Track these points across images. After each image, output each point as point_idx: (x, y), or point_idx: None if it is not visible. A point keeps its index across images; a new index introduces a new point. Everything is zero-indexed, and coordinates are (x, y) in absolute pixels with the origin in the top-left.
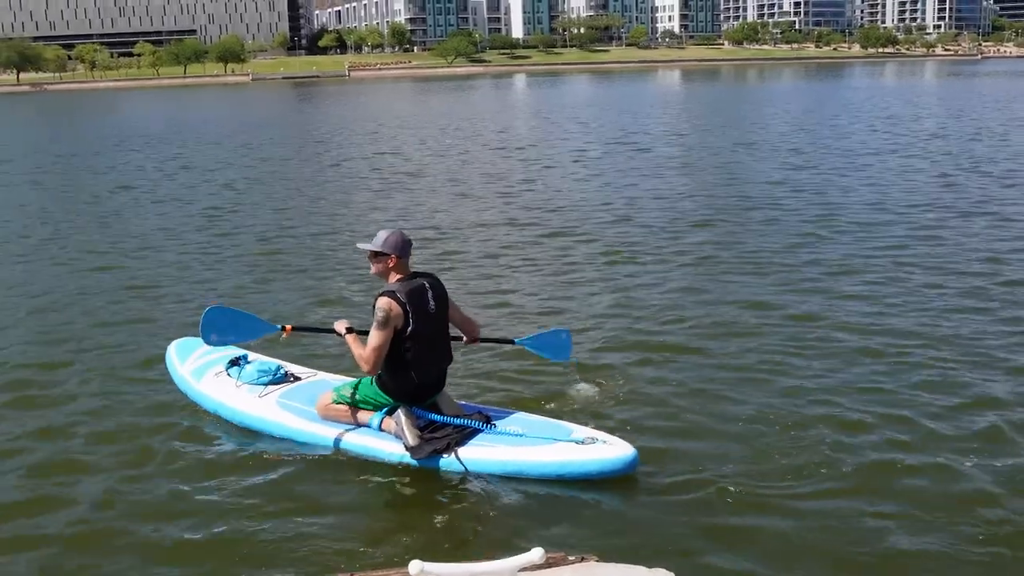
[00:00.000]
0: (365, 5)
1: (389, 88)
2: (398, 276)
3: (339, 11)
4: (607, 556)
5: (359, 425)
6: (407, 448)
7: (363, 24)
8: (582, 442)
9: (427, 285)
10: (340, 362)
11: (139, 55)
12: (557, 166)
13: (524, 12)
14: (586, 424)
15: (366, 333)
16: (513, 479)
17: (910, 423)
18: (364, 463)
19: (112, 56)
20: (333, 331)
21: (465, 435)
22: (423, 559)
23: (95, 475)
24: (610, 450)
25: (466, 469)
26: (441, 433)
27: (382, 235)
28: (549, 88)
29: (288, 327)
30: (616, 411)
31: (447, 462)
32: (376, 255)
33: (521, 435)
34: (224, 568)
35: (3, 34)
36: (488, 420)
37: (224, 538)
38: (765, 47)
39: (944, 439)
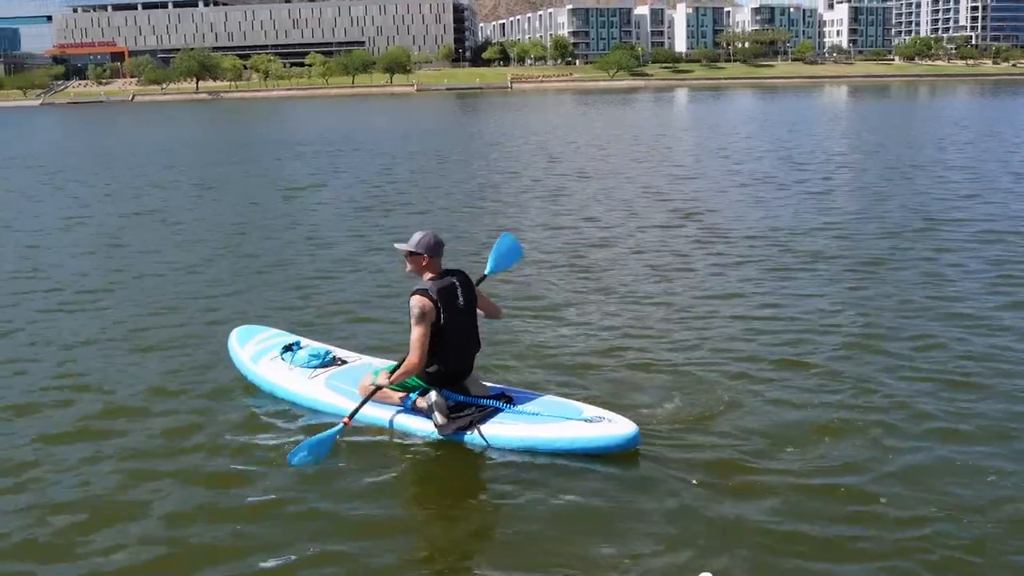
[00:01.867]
0: (529, 18)
1: (550, 100)
2: (430, 275)
3: (503, 24)
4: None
5: (395, 405)
6: (436, 426)
7: (527, 37)
8: (590, 420)
9: (457, 283)
10: (384, 346)
11: (310, 65)
12: (712, 179)
13: (688, 26)
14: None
15: (391, 369)
16: (527, 453)
17: (915, 411)
18: (397, 437)
19: (284, 66)
20: (378, 388)
21: (487, 414)
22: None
23: (163, 444)
24: (614, 428)
25: (487, 444)
26: (466, 412)
27: (416, 236)
28: (711, 103)
29: (346, 420)
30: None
31: (471, 438)
32: (411, 255)
33: (538, 414)
34: (281, 530)
35: (185, 45)
36: (509, 400)
37: (275, 502)
38: (938, 63)
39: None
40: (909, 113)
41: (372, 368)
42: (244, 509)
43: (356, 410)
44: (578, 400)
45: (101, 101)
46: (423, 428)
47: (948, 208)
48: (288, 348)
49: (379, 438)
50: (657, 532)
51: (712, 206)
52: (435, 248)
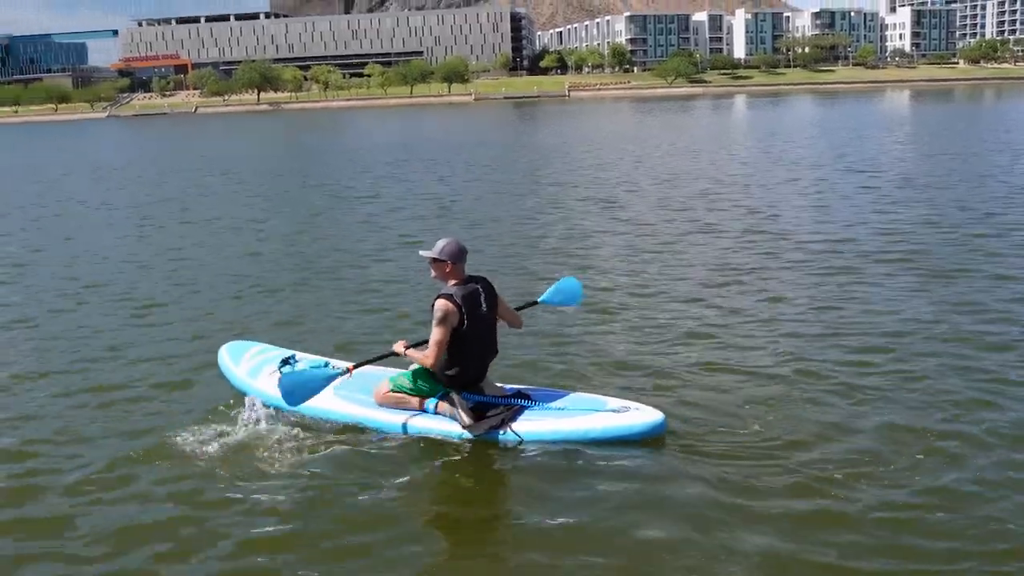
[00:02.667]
0: (587, 26)
1: (608, 108)
2: (454, 281)
3: (560, 32)
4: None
5: (415, 409)
6: (464, 426)
7: (584, 45)
8: (617, 411)
9: (480, 289)
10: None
11: (369, 75)
12: (768, 183)
13: (747, 32)
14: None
15: (417, 344)
16: (554, 447)
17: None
18: (425, 441)
19: (344, 76)
20: (393, 354)
21: (515, 412)
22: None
23: (171, 461)
24: (642, 415)
25: (522, 440)
26: (492, 412)
27: (440, 243)
28: (770, 109)
29: (351, 367)
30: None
31: (504, 436)
32: (435, 261)
33: (563, 408)
34: (319, 541)
35: (246, 57)
36: (528, 398)
37: (311, 514)
38: (1005, 66)
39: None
40: (974, 117)
41: (376, 376)
42: (278, 525)
43: (366, 363)
44: (599, 394)
45: (165, 113)
46: (448, 430)
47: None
48: (286, 362)
49: (405, 443)
50: (685, 517)
51: (766, 210)
52: (459, 255)
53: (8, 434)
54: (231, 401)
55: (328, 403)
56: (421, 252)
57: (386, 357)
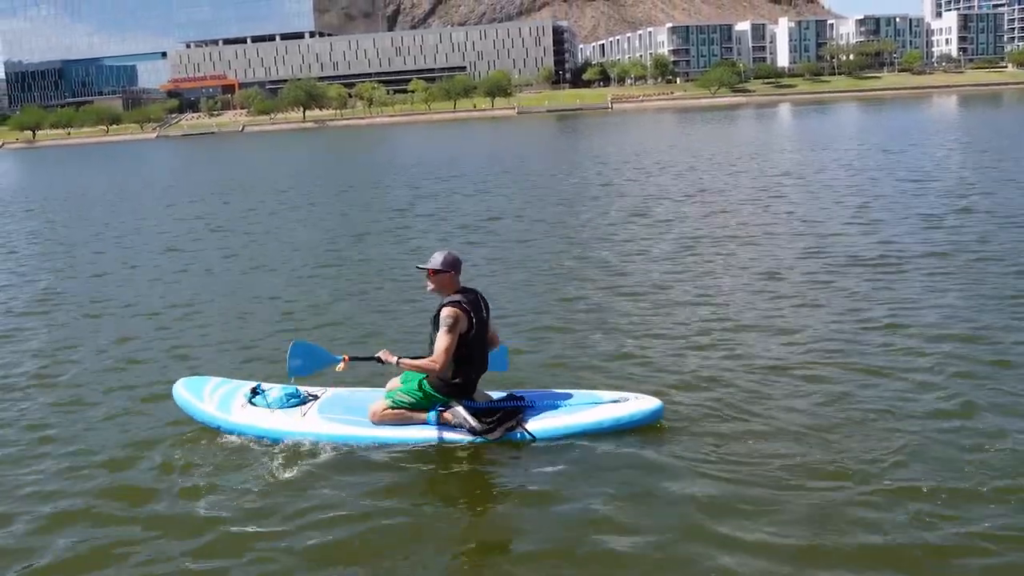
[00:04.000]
0: (629, 38)
1: (651, 119)
2: (452, 289)
3: (603, 44)
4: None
5: (418, 423)
6: (476, 432)
7: (626, 57)
8: (617, 401)
9: (480, 297)
10: (342, 377)
11: (413, 91)
12: (816, 197)
13: (791, 40)
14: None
15: (408, 356)
16: (568, 439)
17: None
18: (435, 450)
19: (388, 93)
20: (380, 360)
21: (521, 413)
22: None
23: (176, 515)
24: (641, 404)
25: (534, 438)
26: (497, 416)
27: (438, 256)
28: (816, 118)
29: (346, 357)
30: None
31: (516, 435)
32: (436, 273)
33: (564, 405)
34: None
35: (292, 75)
36: (522, 399)
37: (342, 540)
38: None
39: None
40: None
41: (348, 397)
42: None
43: (361, 360)
44: (592, 390)
45: (213, 132)
46: (461, 437)
47: None
48: (254, 392)
49: (415, 455)
50: (685, 502)
51: (768, 212)
52: (457, 265)
53: None
54: (202, 437)
55: (322, 427)
56: (419, 266)
57: (373, 360)
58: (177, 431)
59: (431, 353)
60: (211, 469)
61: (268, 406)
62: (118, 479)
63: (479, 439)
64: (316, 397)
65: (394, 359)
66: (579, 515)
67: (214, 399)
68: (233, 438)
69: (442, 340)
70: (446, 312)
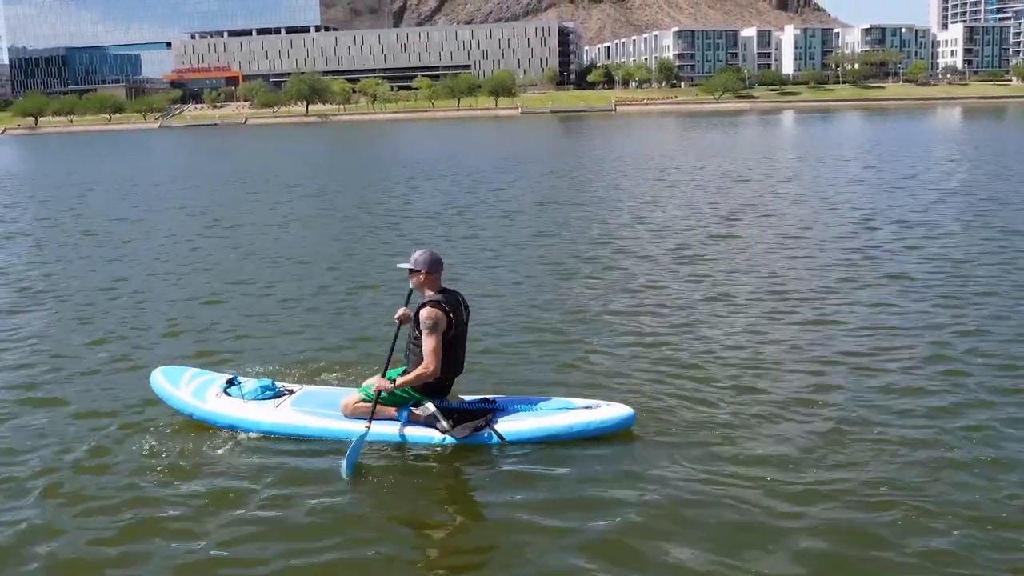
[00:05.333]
0: (634, 41)
1: (653, 123)
2: (430, 290)
3: (608, 47)
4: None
5: (388, 418)
6: (444, 431)
7: (631, 60)
8: (589, 407)
9: (460, 297)
10: (318, 374)
11: (417, 88)
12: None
13: (796, 48)
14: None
15: (397, 375)
16: (538, 443)
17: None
18: (403, 447)
19: (392, 89)
20: (381, 395)
21: (492, 414)
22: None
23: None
24: (612, 411)
25: (504, 441)
26: (466, 416)
27: (416, 254)
28: (820, 125)
29: (368, 424)
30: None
31: (486, 437)
32: (412, 272)
33: (537, 410)
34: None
35: (296, 69)
36: (494, 403)
37: (306, 526)
38: None
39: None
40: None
41: (320, 393)
42: (279, 534)
43: (372, 413)
44: (565, 396)
45: (215, 124)
46: (428, 435)
47: None
48: (230, 383)
49: (383, 450)
50: (656, 506)
51: (747, 216)
52: (433, 265)
53: None
54: (173, 423)
55: (294, 419)
56: (399, 264)
57: (377, 404)
58: (148, 416)
59: (413, 353)
60: (177, 455)
61: (242, 397)
62: (86, 462)
63: (448, 439)
64: (291, 392)
65: (389, 384)
66: (545, 518)
67: (190, 388)
68: (204, 427)
69: (428, 342)
70: (425, 313)
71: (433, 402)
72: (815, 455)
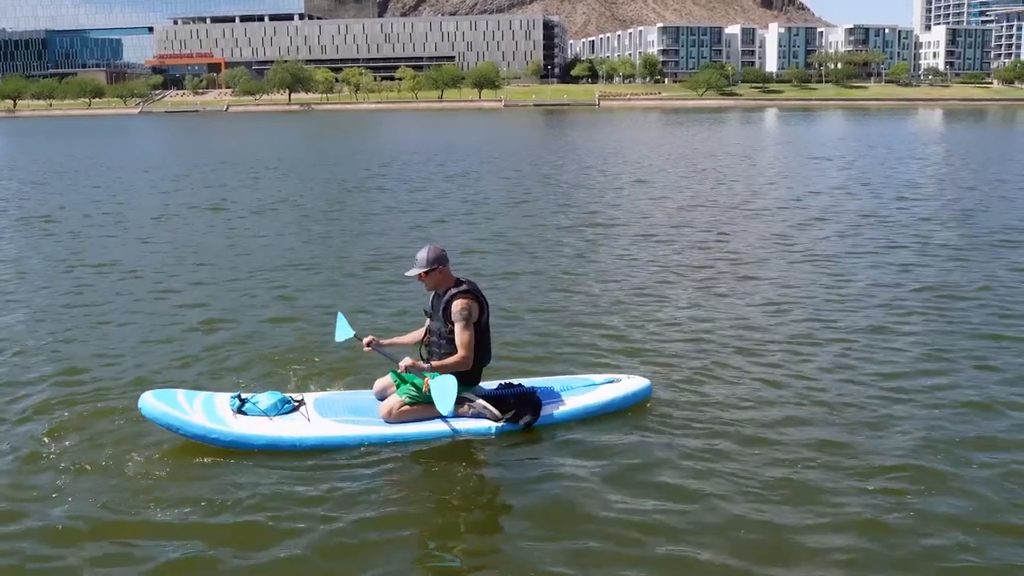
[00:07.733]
0: (619, 36)
1: (636, 118)
2: (449, 283)
3: (592, 41)
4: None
5: (433, 416)
6: (498, 420)
7: (616, 55)
8: (612, 382)
9: (477, 285)
10: (318, 381)
11: (400, 79)
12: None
13: (780, 46)
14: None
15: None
16: (574, 422)
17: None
18: (450, 444)
19: (375, 79)
20: (403, 368)
21: (538, 398)
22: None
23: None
24: (634, 383)
25: (554, 421)
26: (511, 403)
27: (423, 255)
28: (803, 124)
29: (373, 339)
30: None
31: (525, 422)
32: (427, 273)
33: (563, 390)
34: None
35: (279, 57)
36: (520, 386)
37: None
38: None
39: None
40: (1009, 138)
41: (331, 400)
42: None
43: (383, 355)
44: (583, 374)
45: (196, 111)
46: (480, 426)
47: None
48: (241, 402)
49: (434, 450)
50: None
51: (747, 204)
52: (445, 257)
53: None
54: (189, 452)
55: (335, 430)
56: (406, 273)
57: (393, 360)
58: (155, 448)
59: (443, 347)
60: (215, 485)
61: (263, 414)
62: (110, 516)
63: (503, 427)
64: (302, 402)
65: (425, 365)
66: (598, 499)
67: (199, 411)
68: (206, 449)
69: (464, 334)
70: (460, 305)
71: (477, 393)
72: (838, 425)
